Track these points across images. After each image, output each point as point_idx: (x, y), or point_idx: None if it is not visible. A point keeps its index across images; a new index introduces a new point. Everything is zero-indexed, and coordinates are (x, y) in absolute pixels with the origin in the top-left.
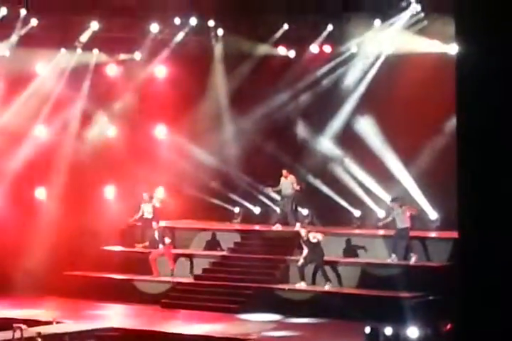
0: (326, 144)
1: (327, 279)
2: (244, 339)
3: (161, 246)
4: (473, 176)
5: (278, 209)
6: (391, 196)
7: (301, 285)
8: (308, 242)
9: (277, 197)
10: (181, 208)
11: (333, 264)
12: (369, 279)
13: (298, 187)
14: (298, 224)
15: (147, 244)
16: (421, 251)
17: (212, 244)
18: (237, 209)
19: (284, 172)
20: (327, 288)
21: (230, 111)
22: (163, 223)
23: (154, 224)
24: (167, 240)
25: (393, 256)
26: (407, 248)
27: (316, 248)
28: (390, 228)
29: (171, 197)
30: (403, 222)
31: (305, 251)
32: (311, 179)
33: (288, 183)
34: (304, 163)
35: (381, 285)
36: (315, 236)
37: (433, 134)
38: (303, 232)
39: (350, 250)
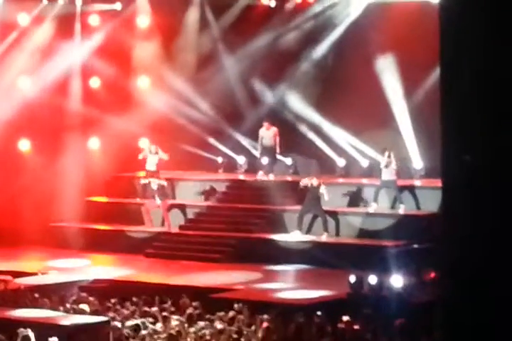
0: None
1: (326, 229)
2: (230, 289)
3: (159, 199)
4: (456, 126)
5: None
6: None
7: (296, 234)
8: (309, 190)
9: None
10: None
11: (332, 214)
12: (355, 229)
13: (278, 140)
14: (271, 175)
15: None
16: (408, 199)
17: (197, 194)
18: (220, 159)
19: (266, 124)
20: (324, 238)
21: (211, 62)
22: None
23: (157, 178)
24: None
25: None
26: (396, 198)
27: (314, 196)
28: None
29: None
30: (391, 173)
31: (306, 199)
32: (296, 124)
33: (270, 135)
34: (287, 107)
35: (366, 235)
36: (313, 183)
37: (418, 81)
38: (305, 180)
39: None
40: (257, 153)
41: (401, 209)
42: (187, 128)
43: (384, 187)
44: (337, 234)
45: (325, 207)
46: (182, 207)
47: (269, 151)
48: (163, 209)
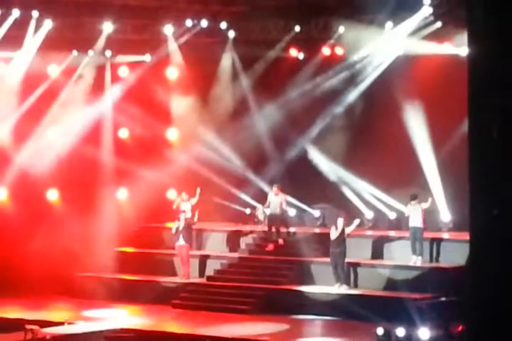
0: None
1: (341, 280)
2: (255, 340)
3: (183, 240)
4: (484, 178)
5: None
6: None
7: (338, 287)
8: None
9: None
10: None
11: (354, 266)
12: (383, 281)
13: (287, 208)
14: (281, 240)
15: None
16: (435, 252)
17: (225, 245)
18: (248, 211)
19: (275, 189)
20: (342, 290)
21: (240, 113)
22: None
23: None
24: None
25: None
26: (419, 248)
27: (338, 241)
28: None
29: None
30: (418, 219)
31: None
32: (324, 176)
33: (277, 201)
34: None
35: (394, 287)
36: (338, 225)
37: (447, 133)
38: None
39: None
40: (261, 217)
41: (418, 262)
42: (215, 180)
43: (412, 235)
44: (355, 286)
45: (352, 259)
46: (209, 258)
47: (274, 219)
48: (186, 253)
